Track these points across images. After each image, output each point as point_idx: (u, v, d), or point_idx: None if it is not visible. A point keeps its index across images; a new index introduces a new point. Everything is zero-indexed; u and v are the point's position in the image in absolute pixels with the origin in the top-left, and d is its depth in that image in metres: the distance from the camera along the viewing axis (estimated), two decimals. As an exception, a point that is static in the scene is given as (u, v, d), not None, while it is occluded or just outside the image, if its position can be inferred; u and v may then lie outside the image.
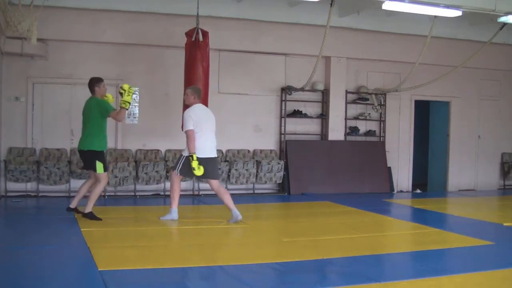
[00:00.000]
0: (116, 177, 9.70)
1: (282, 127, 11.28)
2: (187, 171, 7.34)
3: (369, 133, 12.00)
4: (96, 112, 7.21)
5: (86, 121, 7.30)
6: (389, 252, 6.24)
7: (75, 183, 9.81)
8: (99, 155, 7.27)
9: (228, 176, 10.45)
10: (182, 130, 7.44)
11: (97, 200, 7.41)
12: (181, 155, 7.41)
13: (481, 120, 12.97)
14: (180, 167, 7.32)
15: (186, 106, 7.76)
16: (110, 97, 7.66)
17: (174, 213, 7.43)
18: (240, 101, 10.93)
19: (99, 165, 7.21)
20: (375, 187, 11.58)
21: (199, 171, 7.16)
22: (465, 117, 12.78)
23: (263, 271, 5.14)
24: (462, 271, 5.25)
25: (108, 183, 9.73)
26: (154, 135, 10.40)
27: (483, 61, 11.84)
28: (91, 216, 7.25)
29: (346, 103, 11.72)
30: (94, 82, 7.41)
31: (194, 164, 7.13)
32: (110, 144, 10.20)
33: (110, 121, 10.09)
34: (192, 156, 7.15)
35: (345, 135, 11.76)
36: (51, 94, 9.93)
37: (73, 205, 7.45)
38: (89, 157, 7.23)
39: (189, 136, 7.21)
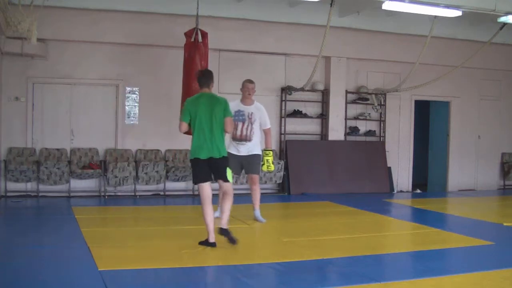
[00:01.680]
0: (116, 177, 9.70)
1: (282, 127, 11.27)
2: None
3: (369, 133, 12.00)
4: (222, 112, 6.01)
5: (208, 120, 5.94)
6: (389, 252, 6.24)
7: (75, 183, 9.84)
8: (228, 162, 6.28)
9: (228, 176, 10.43)
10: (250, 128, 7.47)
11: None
12: (258, 155, 7.51)
13: (481, 120, 12.96)
14: (261, 167, 7.57)
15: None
16: None
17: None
18: (240, 101, 10.92)
19: (229, 172, 6.26)
20: (375, 187, 11.58)
21: (273, 165, 7.64)
22: (465, 117, 12.78)
23: (263, 271, 5.15)
24: (462, 271, 5.26)
25: (108, 183, 9.78)
26: (154, 135, 10.40)
27: (483, 61, 11.84)
28: (228, 234, 5.96)
29: (346, 103, 11.72)
30: (211, 76, 6.22)
31: (271, 158, 7.51)
32: (110, 144, 10.25)
33: (110, 119, 10.23)
34: (271, 151, 7.53)
35: (345, 135, 11.75)
36: (51, 94, 9.93)
37: (224, 225, 6.00)
38: (223, 165, 6.11)
39: (270, 132, 7.68)
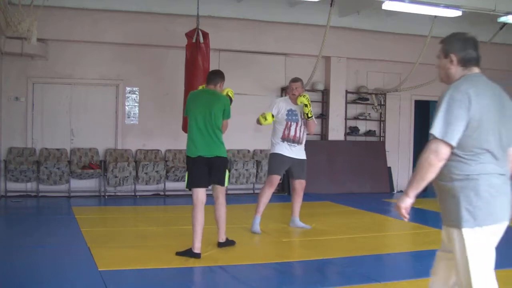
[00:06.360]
0: (116, 177, 9.70)
1: (282, 127, 11.26)
2: None
3: (369, 133, 12.00)
4: (221, 111, 5.59)
5: (207, 117, 5.53)
6: (389, 252, 6.24)
7: (75, 183, 9.84)
8: (227, 163, 5.85)
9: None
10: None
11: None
12: (305, 160, 7.07)
13: (481, 120, 12.94)
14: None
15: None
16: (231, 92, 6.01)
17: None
18: (240, 101, 10.88)
19: (227, 176, 5.77)
20: (375, 187, 11.58)
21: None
22: (465, 117, 12.75)
23: (263, 271, 5.15)
24: (462, 271, 5.24)
25: (108, 183, 9.78)
26: (154, 135, 10.40)
27: (483, 61, 11.57)
28: (229, 242, 5.96)
29: (346, 103, 11.72)
30: (221, 75, 5.80)
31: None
32: (110, 144, 10.25)
33: (110, 119, 10.23)
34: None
35: (345, 135, 11.76)
36: (51, 94, 9.93)
37: (222, 239, 5.89)
38: (220, 166, 5.62)
39: None
